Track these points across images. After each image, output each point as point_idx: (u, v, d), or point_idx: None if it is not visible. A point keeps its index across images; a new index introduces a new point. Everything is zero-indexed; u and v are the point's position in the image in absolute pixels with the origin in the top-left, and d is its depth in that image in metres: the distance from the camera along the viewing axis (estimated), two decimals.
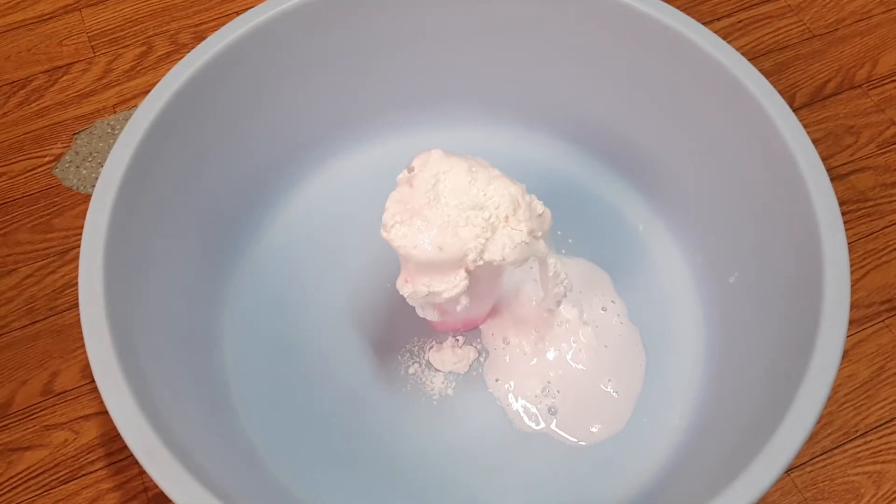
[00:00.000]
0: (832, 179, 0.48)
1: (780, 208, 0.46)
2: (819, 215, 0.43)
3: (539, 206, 0.41)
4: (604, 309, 0.52)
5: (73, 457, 0.50)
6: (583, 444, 0.48)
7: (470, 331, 0.53)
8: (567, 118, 0.58)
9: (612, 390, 0.50)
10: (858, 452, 0.51)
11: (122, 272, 0.42)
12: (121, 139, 0.44)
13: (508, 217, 0.40)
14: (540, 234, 0.41)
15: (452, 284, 0.40)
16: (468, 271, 0.41)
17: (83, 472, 0.49)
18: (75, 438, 0.51)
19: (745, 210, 0.50)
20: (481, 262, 0.40)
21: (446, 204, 0.40)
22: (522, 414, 0.49)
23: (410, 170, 0.42)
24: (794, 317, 0.44)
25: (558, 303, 0.48)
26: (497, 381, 0.50)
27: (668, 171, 0.55)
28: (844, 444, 0.51)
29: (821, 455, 0.51)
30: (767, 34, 0.69)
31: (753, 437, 0.40)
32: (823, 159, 0.47)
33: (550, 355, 0.50)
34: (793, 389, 0.39)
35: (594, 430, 0.49)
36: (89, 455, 0.50)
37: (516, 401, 0.49)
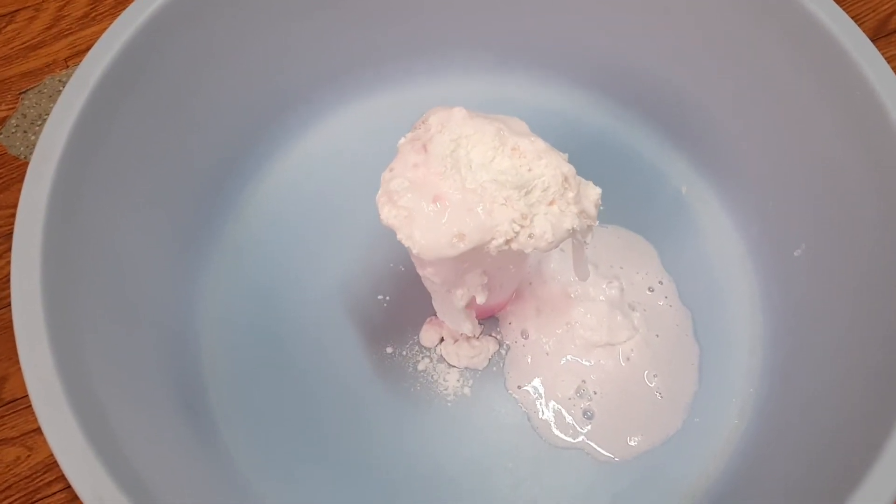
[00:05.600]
0: None
1: (860, 165, 0.40)
2: None
3: (592, 191, 0.33)
4: (650, 290, 0.45)
5: (26, 478, 0.45)
6: (625, 457, 0.41)
7: (487, 319, 0.45)
8: (592, 61, 0.51)
9: (659, 390, 0.42)
10: None
11: (68, 261, 0.37)
12: (64, 97, 0.39)
13: (555, 201, 0.32)
14: (589, 223, 0.33)
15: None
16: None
17: (39, 497, 0.44)
18: (29, 456, 0.45)
19: (813, 167, 0.43)
20: (506, 249, 0.33)
21: (474, 179, 0.32)
22: (553, 421, 0.42)
23: (425, 127, 0.33)
24: (882, 300, 0.38)
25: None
26: (520, 387, 0.43)
27: (716, 121, 0.49)
28: None
29: None
30: None
31: (843, 445, 0.35)
32: None
33: (586, 349, 0.43)
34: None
35: (635, 441, 0.42)
36: (46, 475, 0.45)
37: (546, 406, 0.42)
